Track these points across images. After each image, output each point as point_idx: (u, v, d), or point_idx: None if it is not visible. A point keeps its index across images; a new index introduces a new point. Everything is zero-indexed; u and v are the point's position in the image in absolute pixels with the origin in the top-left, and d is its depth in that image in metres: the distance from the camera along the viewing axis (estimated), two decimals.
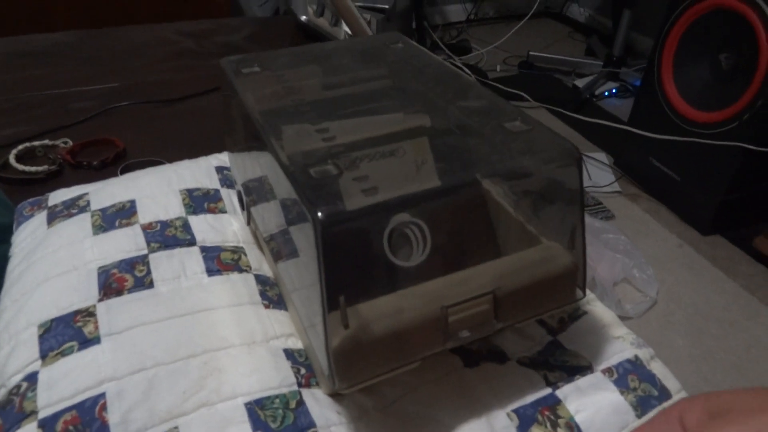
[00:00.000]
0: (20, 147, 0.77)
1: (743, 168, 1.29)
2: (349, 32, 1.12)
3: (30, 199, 0.58)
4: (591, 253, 1.30)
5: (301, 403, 0.38)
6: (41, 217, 0.54)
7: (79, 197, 0.56)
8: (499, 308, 0.35)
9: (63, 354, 0.39)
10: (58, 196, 0.57)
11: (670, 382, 0.41)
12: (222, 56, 0.52)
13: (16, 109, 0.91)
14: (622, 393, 0.39)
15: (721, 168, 1.33)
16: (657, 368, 0.42)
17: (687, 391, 0.42)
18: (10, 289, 0.47)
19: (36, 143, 0.79)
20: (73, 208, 0.54)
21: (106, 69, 1.06)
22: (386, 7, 1.84)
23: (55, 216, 0.53)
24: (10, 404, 0.37)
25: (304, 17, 1.24)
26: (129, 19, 1.89)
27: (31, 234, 0.52)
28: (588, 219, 1.39)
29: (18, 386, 0.38)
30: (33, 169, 0.73)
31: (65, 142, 0.80)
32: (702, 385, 1.09)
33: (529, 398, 0.39)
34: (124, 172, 0.73)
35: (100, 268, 0.46)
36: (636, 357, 0.42)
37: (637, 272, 1.28)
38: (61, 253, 0.48)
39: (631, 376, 0.40)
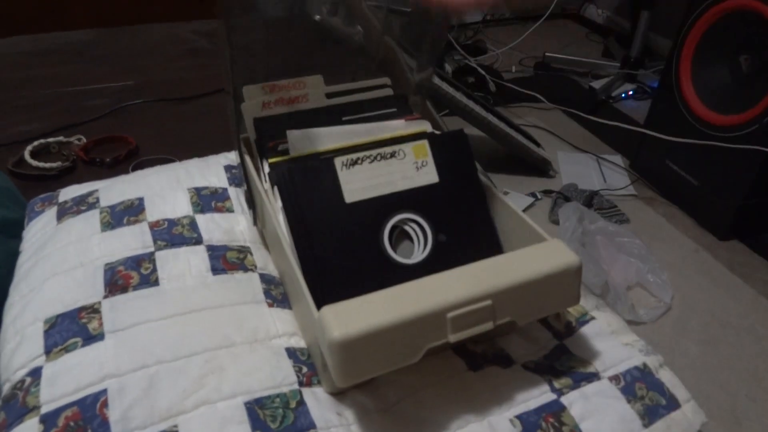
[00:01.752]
0: (35, 143, 0.78)
1: (763, 172, 1.26)
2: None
3: (41, 195, 0.58)
4: (605, 256, 1.28)
5: (301, 402, 0.38)
6: (51, 213, 0.55)
7: (89, 194, 0.56)
8: (499, 304, 0.34)
9: (67, 350, 0.39)
10: (69, 193, 0.57)
11: (679, 391, 0.40)
12: (241, 55, 0.53)
13: (33, 106, 0.92)
14: (629, 401, 0.38)
15: (740, 172, 1.30)
16: (666, 376, 0.41)
17: (698, 400, 0.41)
18: (19, 284, 0.47)
19: (50, 140, 0.80)
20: (82, 204, 0.54)
21: (121, 67, 1.07)
22: (408, 9, 1.84)
23: (65, 212, 0.54)
24: (14, 398, 0.37)
25: (317, 17, 1.24)
26: (146, 18, 1.91)
27: (41, 230, 0.53)
28: (602, 222, 1.37)
29: (22, 381, 0.38)
30: (46, 165, 0.74)
31: (79, 139, 0.81)
32: (717, 395, 1.07)
33: (533, 404, 0.38)
34: (135, 169, 0.74)
35: (106, 264, 0.47)
36: (644, 365, 0.41)
37: (652, 277, 1.26)
38: (69, 249, 0.49)
39: (638, 384, 0.39)
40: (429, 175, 0.33)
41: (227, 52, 0.45)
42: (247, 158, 0.50)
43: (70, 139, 0.81)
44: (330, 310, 0.32)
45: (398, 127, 0.45)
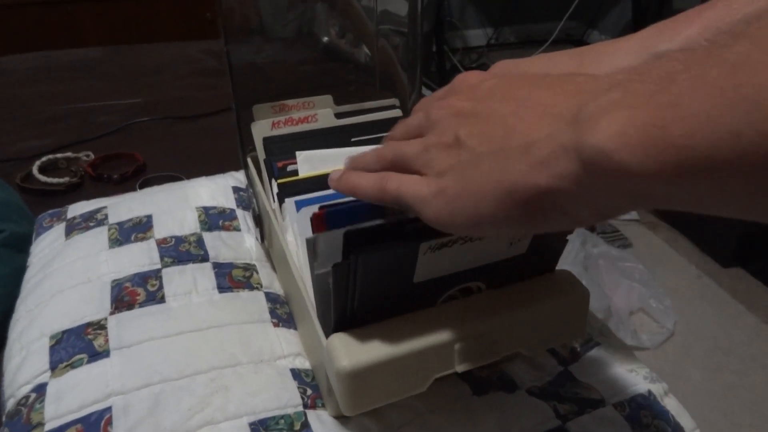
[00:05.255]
0: (44, 159, 0.79)
1: None
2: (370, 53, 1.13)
3: (50, 211, 0.59)
4: (607, 281, 1.28)
5: (306, 425, 0.37)
6: (60, 228, 0.55)
7: (98, 210, 0.56)
8: (508, 336, 0.34)
9: (72, 366, 0.40)
10: (77, 209, 0.58)
11: (684, 419, 0.40)
12: (249, 75, 0.53)
13: (43, 122, 0.93)
14: (633, 429, 0.38)
15: None
16: (671, 404, 0.40)
17: (702, 428, 0.41)
18: (26, 299, 0.47)
19: (59, 155, 0.81)
20: (91, 221, 0.55)
21: (130, 84, 1.09)
22: (406, 30, 1.86)
23: (73, 228, 0.54)
24: (18, 415, 0.37)
25: (325, 38, 1.26)
26: (156, 37, 1.95)
27: (49, 245, 0.53)
28: (605, 247, 1.37)
29: (26, 397, 0.38)
30: (54, 180, 0.75)
31: (87, 155, 0.82)
32: (721, 423, 1.06)
33: (539, 429, 0.38)
34: (143, 186, 0.75)
35: (113, 281, 0.47)
36: (649, 392, 0.41)
37: (654, 302, 1.26)
38: (76, 265, 0.49)
39: (643, 412, 0.39)
40: (518, 247, 0.33)
41: (229, 73, 0.46)
42: (256, 178, 0.50)
43: (79, 155, 0.81)
44: (339, 339, 0.32)
45: None
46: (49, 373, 0.39)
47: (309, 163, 0.46)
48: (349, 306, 0.32)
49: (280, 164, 0.47)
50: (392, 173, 0.28)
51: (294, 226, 0.41)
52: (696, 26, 0.28)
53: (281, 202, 0.44)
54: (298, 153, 0.46)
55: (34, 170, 0.77)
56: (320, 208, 0.33)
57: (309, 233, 0.32)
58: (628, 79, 0.20)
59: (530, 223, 0.23)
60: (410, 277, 0.31)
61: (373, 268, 0.30)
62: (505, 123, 0.24)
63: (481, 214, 0.23)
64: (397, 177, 0.28)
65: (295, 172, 0.46)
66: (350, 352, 0.31)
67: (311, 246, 0.30)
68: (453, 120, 0.26)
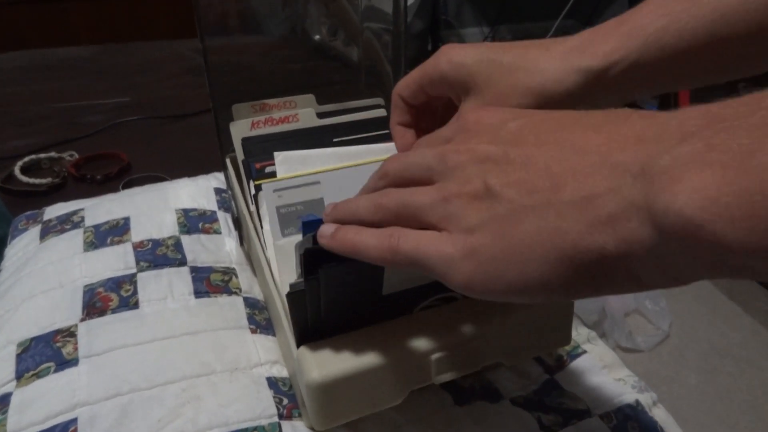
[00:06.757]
0: (26, 159, 0.77)
1: None
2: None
3: (26, 213, 0.57)
4: None
5: None
6: (35, 231, 0.53)
7: (75, 212, 0.55)
8: (487, 345, 0.33)
9: (39, 375, 0.38)
10: (54, 211, 0.56)
11: (674, 430, 0.38)
12: (235, 74, 0.52)
13: (27, 121, 0.92)
14: None
15: None
16: (659, 415, 0.39)
17: (698, 431, 0.39)
18: None
19: (42, 155, 0.79)
20: (66, 223, 0.53)
21: (118, 83, 1.07)
22: (390, 28, 1.85)
23: (48, 231, 0.53)
24: None
25: (317, 36, 1.24)
26: (147, 35, 1.93)
27: (23, 248, 0.52)
28: None
29: None
30: (36, 181, 0.73)
31: (71, 155, 0.80)
32: (716, 425, 1.05)
33: None
34: (126, 186, 0.73)
35: (86, 286, 0.45)
36: (637, 402, 0.39)
37: (650, 303, 1.25)
38: (49, 269, 0.47)
39: (631, 423, 0.38)
40: None
41: (206, 70, 0.45)
42: (234, 179, 0.49)
43: (62, 155, 0.80)
44: (309, 350, 0.31)
45: (391, 149, 0.44)
46: (14, 383, 0.38)
47: (287, 164, 0.45)
48: (311, 323, 0.30)
49: (258, 165, 0.46)
50: (403, 229, 0.24)
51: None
52: (612, 42, 0.27)
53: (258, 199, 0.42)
54: (276, 154, 0.45)
55: (16, 170, 0.75)
56: None
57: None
58: (709, 127, 0.17)
59: (590, 290, 0.20)
60: (378, 289, 0.30)
61: (336, 282, 0.28)
62: (549, 171, 0.21)
63: (529, 280, 0.20)
64: (413, 235, 0.24)
65: (274, 174, 0.45)
66: (321, 363, 0.30)
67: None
68: (478, 167, 0.23)
